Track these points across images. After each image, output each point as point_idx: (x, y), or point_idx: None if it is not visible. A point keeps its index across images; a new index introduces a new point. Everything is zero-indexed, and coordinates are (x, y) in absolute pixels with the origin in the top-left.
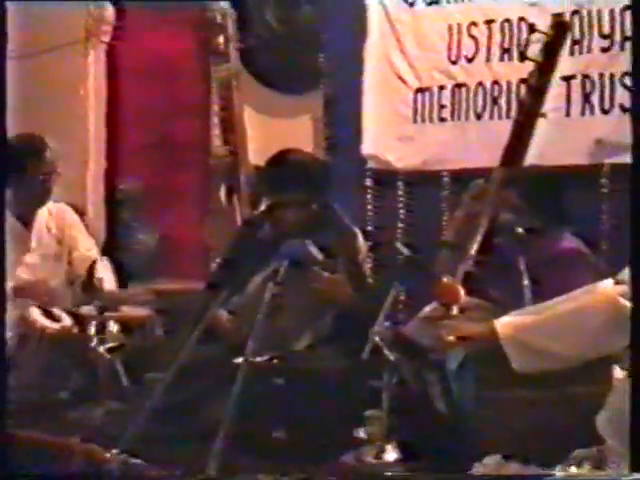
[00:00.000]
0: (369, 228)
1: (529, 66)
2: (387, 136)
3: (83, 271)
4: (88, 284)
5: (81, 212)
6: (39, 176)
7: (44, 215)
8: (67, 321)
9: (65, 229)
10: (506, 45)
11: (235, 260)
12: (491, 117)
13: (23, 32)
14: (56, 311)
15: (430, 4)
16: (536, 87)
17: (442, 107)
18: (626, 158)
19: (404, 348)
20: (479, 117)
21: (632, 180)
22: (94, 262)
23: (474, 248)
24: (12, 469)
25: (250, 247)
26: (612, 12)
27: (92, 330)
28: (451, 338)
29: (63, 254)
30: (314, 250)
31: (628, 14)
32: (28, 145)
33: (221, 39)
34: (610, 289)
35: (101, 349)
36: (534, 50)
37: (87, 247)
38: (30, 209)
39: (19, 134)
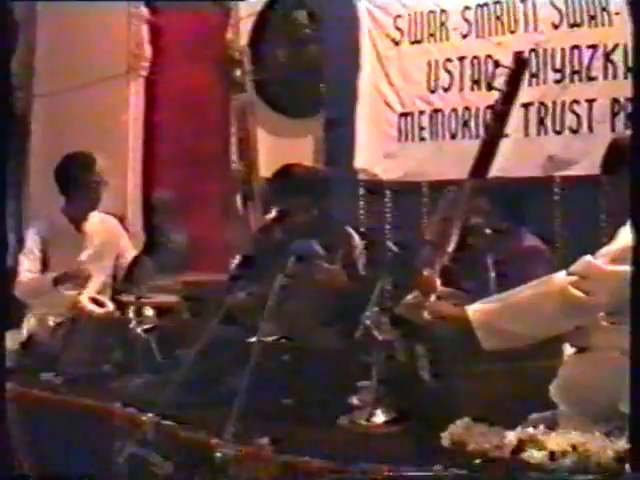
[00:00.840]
0: (362, 229)
1: (494, 95)
2: (376, 153)
3: (125, 268)
4: (129, 276)
5: (122, 217)
6: (89, 186)
7: (95, 222)
8: (110, 306)
9: (111, 236)
10: (476, 77)
11: (253, 258)
12: (462, 137)
13: (74, 65)
14: (101, 298)
15: (413, 43)
16: (500, 112)
17: (422, 129)
18: (573, 171)
19: (399, 325)
20: (453, 137)
21: (632, 181)
22: (135, 259)
23: (450, 246)
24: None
25: (265, 247)
26: (563, 50)
27: (131, 314)
28: (429, 318)
29: (107, 255)
30: (317, 248)
31: (576, 51)
32: (79, 160)
33: (239, 73)
34: (562, 279)
35: (138, 330)
36: (499, 81)
37: (129, 250)
38: (82, 215)
39: (71, 152)
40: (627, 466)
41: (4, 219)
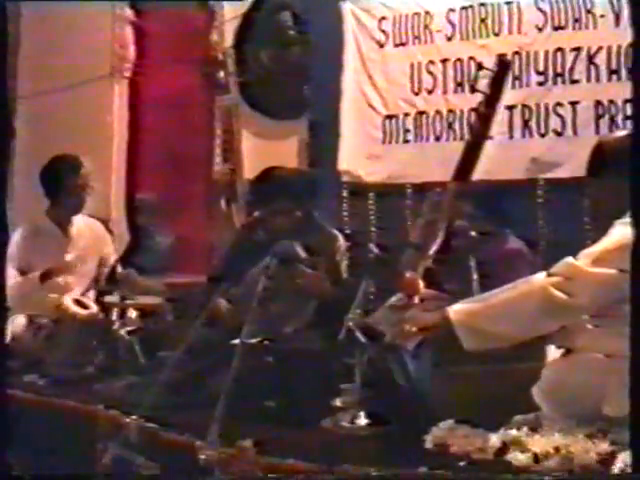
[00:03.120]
0: (345, 231)
1: (478, 97)
2: (359, 155)
3: (108, 270)
4: (112, 278)
5: (106, 219)
6: (75, 189)
7: (80, 225)
8: (94, 308)
9: (96, 239)
10: (459, 80)
11: (234, 258)
12: (447, 139)
13: (59, 66)
14: (85, 300)
15: (397, 45)
16: (484, 114)
17: (406, 131)
18: (557, 173)
19: (370, 335)
20: (437, 139)
21: (632, 181)
22: (117, 260)
23: (433, 248)
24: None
25: (246, 247)
26: (547, 53)
27: (114, 316)
28: (413, 329)
29: (91, 258)
30: (299, 250)
31: (560, 54)
32: (65, 163)
33: (223, 74)
34: (542, 280)
35: (122, 331)
36: (482, 84)
37: (112, 253)
38: (67, 217)
39: (58, 155)
40: (619, 466)
41: (4, 219)
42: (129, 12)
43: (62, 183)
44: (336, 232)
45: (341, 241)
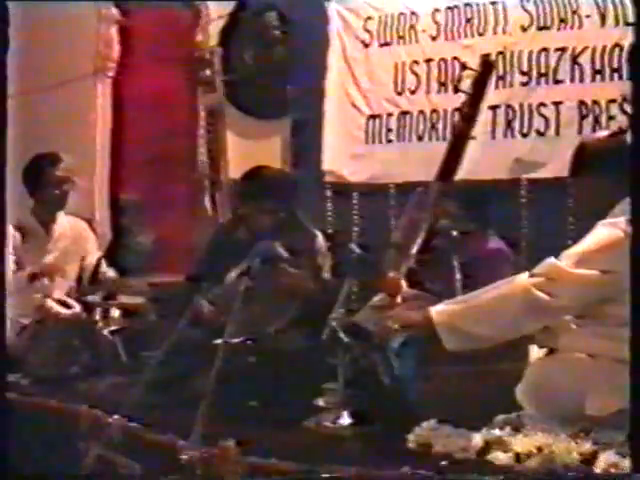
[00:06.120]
0: (328, 231)
1: (461, 97)
2: (343, 154)
3: (90, 270)
4: (94, 278)
5: (90, 218)
6: (55, 182)
7: (64, 225)
8: (77, 308)
9: (79, 239)
10: (442, 80)
11: (214, 256)
12: (430, 139)
13: (44, 66)
14: (68, 300)
15: (381, 45)
16: (467, 114)
17: (389, 131)
18: (540, 174)
19: (355, 334)
20: (420, 139)
21: (632, 180)
22: (99, 259)
23: (415, 248)
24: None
25: (228, 246)
26: (530, 53)
27: (97, 315)
28: (395, 326)
29: (73, 258)
30: (281, 250)
31: (543, 55)
32: (44, 159)
33: (208, 73)
34: (525, 281)
35: (105, 331)
36: (466, 84)
37: (94, 252)
38: (50, 214)
39: (38, 153)
40: (602, 466)
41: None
42: (115, 12)
43: (42, 179)
44: (317, 232)
45: (321, 241)
